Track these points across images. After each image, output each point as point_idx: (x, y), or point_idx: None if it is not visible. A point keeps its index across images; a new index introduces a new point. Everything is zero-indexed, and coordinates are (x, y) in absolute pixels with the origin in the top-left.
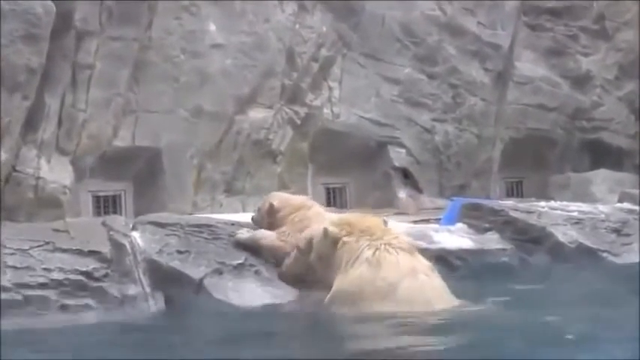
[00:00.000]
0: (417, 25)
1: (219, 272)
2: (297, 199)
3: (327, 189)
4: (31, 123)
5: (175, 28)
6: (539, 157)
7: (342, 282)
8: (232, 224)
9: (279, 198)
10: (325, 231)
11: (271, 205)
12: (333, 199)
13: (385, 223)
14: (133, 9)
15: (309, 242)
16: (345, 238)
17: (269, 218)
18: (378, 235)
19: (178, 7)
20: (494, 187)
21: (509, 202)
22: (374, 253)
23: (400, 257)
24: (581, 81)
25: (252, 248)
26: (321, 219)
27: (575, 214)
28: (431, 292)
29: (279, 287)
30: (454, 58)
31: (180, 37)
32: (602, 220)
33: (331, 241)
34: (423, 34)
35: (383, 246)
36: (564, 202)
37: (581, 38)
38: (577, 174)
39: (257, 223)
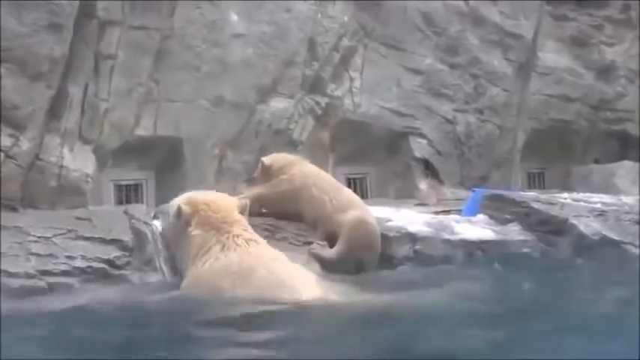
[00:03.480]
0: (439, 14)
1: None
2: (288, 155)
3: (348, 179)
4: (54, 112)
5: (197, 17)
6: (562, 148)
7: (194, 276)
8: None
9: (269, 157)
10: (179, 210)
11: (262, 164)
12: (354, 189)
13: (245, 207)
14: None
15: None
16: (193, 231)
17: (266, 178)
18: (226, 228)
19: None
20: (516, 178)
21: (531, 194)
22: (222, 248)
23: (251, 248)
24: (605, 71)
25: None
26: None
27: (598, 205)
28: (292, 280)
29: None
30: (476, 48)
31: (202, 26)
32: (626, 212)
33: (184, 222)
34: (444, 24)
35: (232, 239)
36: (587, 194)
37: (606, 28)
38: (600, 165)
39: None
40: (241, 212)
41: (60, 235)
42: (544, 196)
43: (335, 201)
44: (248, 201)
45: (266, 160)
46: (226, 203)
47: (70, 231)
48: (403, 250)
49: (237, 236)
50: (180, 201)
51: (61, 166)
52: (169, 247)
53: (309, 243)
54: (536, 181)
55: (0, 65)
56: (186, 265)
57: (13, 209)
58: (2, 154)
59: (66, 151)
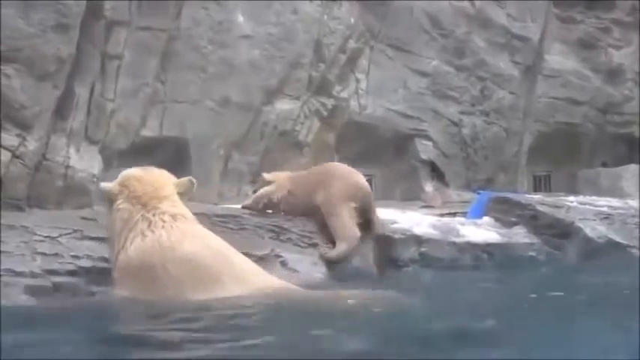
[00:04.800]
0: (446, 16)
1: None
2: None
3: None
4: (60, 112)
5: (203, 18)
6: (569, 151)
7: (123, 262)
8: (257, 214)
9: (270, 174)
10: (102, 189)
11: (263, 179)
12: None
13: (189, 185)
14: None
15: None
16: (120, 205)
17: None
18: (154, 204)
19: None
20: (522, 181)
21: (537, 197)
22: (148, 225)
23: (178, 224)
24: (612, 74)
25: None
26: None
27: (605, 209)
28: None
29: (305, 276)
30: (482, 51)
31: (208, 27)
32: (632, 216)
33: (107, 200)
34: (451, 26)
35: (158, 216)
36: (593, 197)
37: (614, 31)
38: (607, 169)
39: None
40: (183, 191)
41: (66, 234)
42: (550, 199)
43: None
44: (193, 179)
45: (267, 175)
46: (159, 179)
47: (75, 231)
48: (409, 252)
49: (164, 212)
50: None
51: (68, 166)
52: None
53: (315, 245)
54: (542, 184)
55: (2, 64)
56: (113, 246)
57: (20, 209)
58: (9, 153)
59: (72, 151)
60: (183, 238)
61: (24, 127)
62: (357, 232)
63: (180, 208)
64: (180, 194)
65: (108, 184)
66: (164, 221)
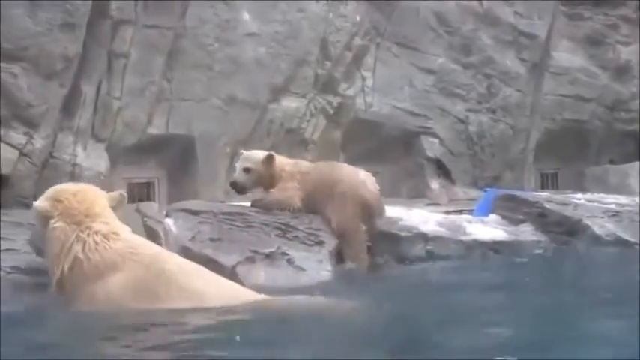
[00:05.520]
0: (452, 14)
1: (251, 260)
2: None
3: None
4: (67, 110)
5: (209, 16)
6: (576, 148)
7: (66, 283)
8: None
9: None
10: (34, 208)
11: (270, 156)
12: None
13: (121, 199)
14: None
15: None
16: (55, 224)
17: (267, 170)
18: (87, 223)
19: None
20: (529, 178)
21: (544, 194)
22: (83, 248)
23: (111, 244)
24: (620, 71)
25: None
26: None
27: (612, 206)
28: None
29: (311, 275)
30: (489, 48)
31: (215, 25)
32: None
33: (42, 219)
34: (457, 24)
35: (92, 236)
36: (601, 195)
37: (621, 28)
38: (614, 166)
39: (247, 187)
40: (115, 205)
41: None
42: (557, 197)
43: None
44: (124, 193)
45: (246, 153)
46: (91, 195)
47: None
48: (415, 249)
49: (97, 232)
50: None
51: (75, 164)
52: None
53: (321, 243)
54: (549, 181)
55: (9, 62)
56: (52, 268)
57: (27, 206)
58: (17, 152)
59: (79, 149)
60: (119, 258)
61: (31, 125)
62: (366, 257)
63: (113, 224)
64: (113, 208)
65: (41, 202)
66: (97, 243)
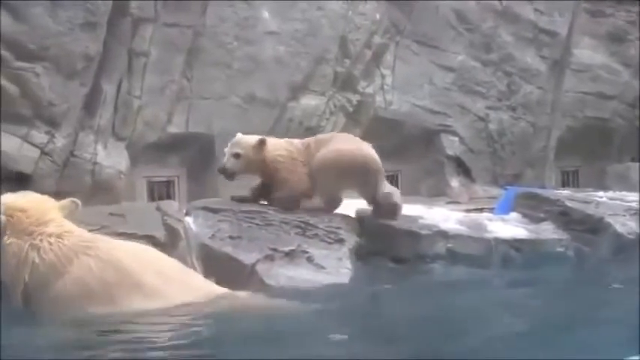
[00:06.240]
0: (472, 11)
1: (271, 258)
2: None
3: None
4: (88, 109)
5: (229, 15)
6: (597, 146)
7: (30, 292)
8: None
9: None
10: None
11: (262, 141)
12: None
13: (73, 207)
14: None
15: None
16: (9, 239)
17: (258, 155)
18: (39, 230)
19: None
20: (550, 176)
21: (566, 192)
22: (38, 252)
23: (65, 241)
24: None
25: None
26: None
27: (635, 204)
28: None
29: (331, 273)
30: (509, 45)
31: (234, 24)
32: None
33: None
34: (478, 21)
35: (45, 240)
36: (623, 192)
37: None
38: (636, 163)
39: (236, 173)
40: (67, 213)
41: (94, 230)
42: (579, 195)
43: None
44: (77, 200)
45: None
46: (42, 205)
47: (103, 227)
48: (435, 248)
49: (50, 235)
50: None
51: (95, 163)
52: None
53: (341, 241)
54: (570, 179)
55: (31, 62)
56: (13, 282)
57: None
58: (38, 150)
59: (100, 147)
60: (73, 254)
61: (52, 124)
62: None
63: (67, 226)
64: (66, 217)
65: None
66: (51, 244)
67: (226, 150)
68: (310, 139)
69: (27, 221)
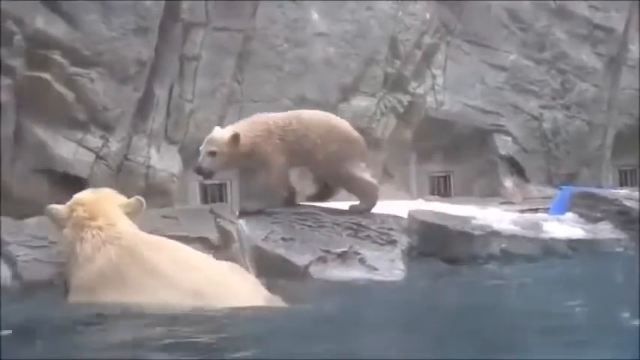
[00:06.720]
0: (525, 11)
1: (323, 260)
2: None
3: (431, 177)
4: (141, 113)
5: (278, 17)
6: None
7: (73, 286)
8: (336, 212)
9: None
10: (46, 210)
11: (236, 135)
12: (437, 187)
13: (138, 205)
14: None
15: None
16: (66, 231)
17: (234, 149)
18: (88, 224)
19: None
20: (607, 175)
21: (624, 191)
22: (81, 243)
23: (102, 233)
24: None
25: None
26: None
27: None
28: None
29: (384, 275)
30: (563, 43)
31: (284, 26)
32: None
33: (56, 223)
34: (531, 20)
35: (90, 232)
36: None
37: None
38: None
39: (213, 171)
40: (131, 211)
41: (147, 232)
42: (637, 194)
43: None
44: (142, 199)
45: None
46: (102, 201)
47: (157, 229)
48: (489, 248)
49: (95, 227)
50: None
51: (148, 166)
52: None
53: (393, 242)
54: (628, 178)
55: (86, 68)
56: (67, 269)
57: None
58: (93, 154)
59: (153, 151)
60: (102, 245)
61: (107, 128)
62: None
63: (114, 220)
64: (129, 214)
65: (57, 208)
66: (93, 235)
67: (201, 148)
68: (291, 115)
69: (83, 215)
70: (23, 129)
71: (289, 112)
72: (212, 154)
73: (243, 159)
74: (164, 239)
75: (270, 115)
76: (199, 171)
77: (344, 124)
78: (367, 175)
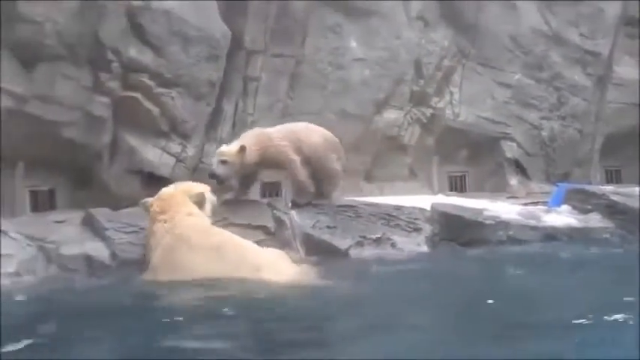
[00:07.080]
0: (526, 37)
1: (361, 244)
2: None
3: (450, 176)
4: (212, 125)
5: (323, 45)
6: (636, 148)
7: (151, 267)
8: (372, 205)
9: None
10: (140, 203)
11: (242, 147)
12: (455, 184)
13: (200, 197)
14: (290, 30)
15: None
16: (150, 220)
17: (243, 159)
18: (171, 215)
19: (325, 27)
20: (595, 174)
21: (610, 187)
22: (157, 241)
23: (183, 222)
24: None
25: None
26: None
27: None
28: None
29: (411, 256)
30: (558, 65)
31: (328, 52)
32: None
33: (146, 212)
34: (531, 46)
35: (168, 224)
36: None
37: None
38: None
39: (225, 176)
40: (195, 201)
41: (217, 222)
42: (622, 190)
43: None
44: (202, 192)
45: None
46: (181, 195)
47: (224, 218)
48: (498, 235)
49: (171, 219)
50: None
51: None
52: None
53: (419, 229)
54: (613, 177)
55: (169, 88)
56: (148, 250)
57: None
58: (174, 158)
59: None
60: (166, 233)
61: (184, 137)
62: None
63: (189, 212)
64: (197, 203)
65: (145, 202)
66: (175, 225)
67: (213, 160)
68: (285, 130)
69: (156, 210)
70: (118, 138)
71: (284, 125)
72: (224, 162)
73: (252, 165)
74: (214, 228)
75: (270, 129)
76: (214, 176)
77: (325, 132)
78: (339, 166)
